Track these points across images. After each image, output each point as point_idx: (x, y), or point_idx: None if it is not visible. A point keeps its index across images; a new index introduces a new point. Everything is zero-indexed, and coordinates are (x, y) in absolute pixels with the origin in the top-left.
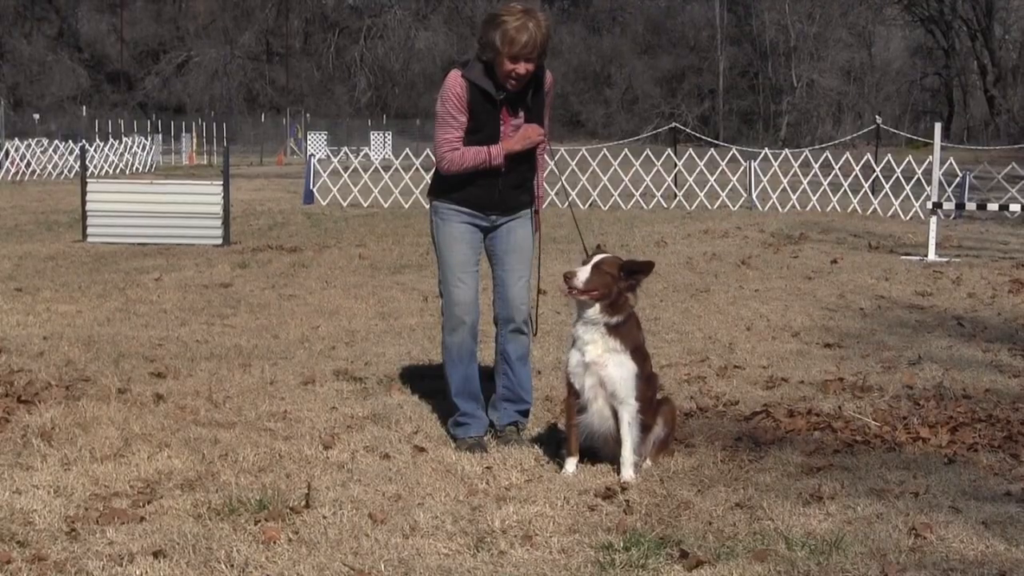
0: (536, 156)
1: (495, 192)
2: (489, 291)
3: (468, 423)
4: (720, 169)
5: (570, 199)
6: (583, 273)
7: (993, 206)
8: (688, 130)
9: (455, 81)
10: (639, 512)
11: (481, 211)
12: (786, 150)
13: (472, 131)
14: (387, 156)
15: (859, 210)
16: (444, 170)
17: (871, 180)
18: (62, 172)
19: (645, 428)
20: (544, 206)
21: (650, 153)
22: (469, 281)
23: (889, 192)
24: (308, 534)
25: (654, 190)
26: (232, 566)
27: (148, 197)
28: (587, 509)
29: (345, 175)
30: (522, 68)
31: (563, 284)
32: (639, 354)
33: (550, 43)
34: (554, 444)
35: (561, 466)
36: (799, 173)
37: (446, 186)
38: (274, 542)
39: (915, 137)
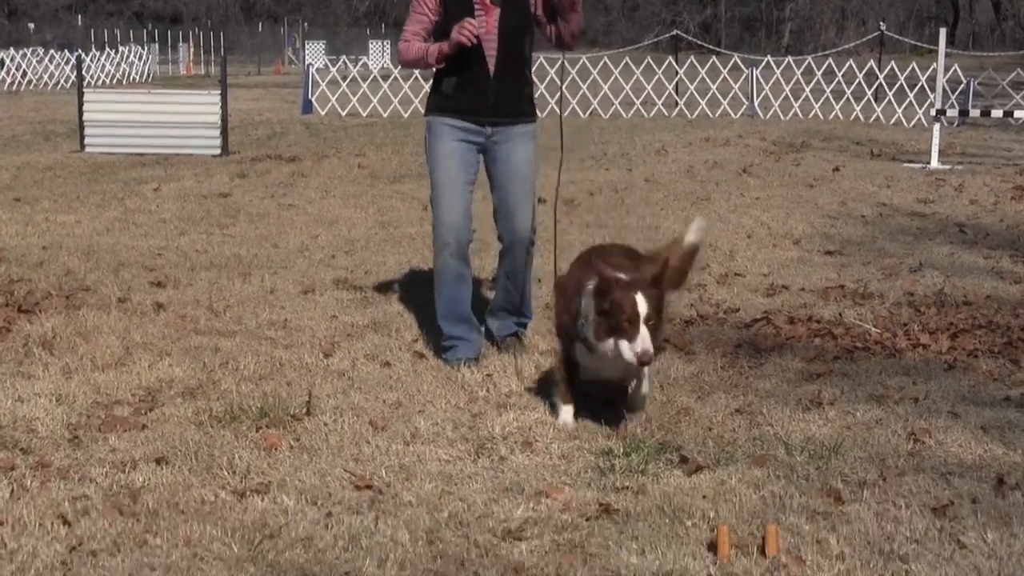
0: (530, 62)
1: (487, 96)
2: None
3: (456, 346)
4: (722, 77)
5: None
6: (647, 340)
7: (997, 113)
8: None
9: None
10: (639, 418)
11: (475, 120)
12: (788, 57)
13: (447, 27)
14: (385, 65)
15: (862, 118)
16: (399, 62)
17: (874, 87)
18: (58, 82)
19: None
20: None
21: (651, 61)
22: (456, 202)
23: (892, 99)
24: (309, 441)
25: (655, 98)
26: (234, 473)
27: (146, 107)
28: (587, 415)
29: (343, 84)
30: None
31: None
32: None
33: None
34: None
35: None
36: (801, 80)
37: (439, 96)
38: (275, 449)
39: (919, 44)
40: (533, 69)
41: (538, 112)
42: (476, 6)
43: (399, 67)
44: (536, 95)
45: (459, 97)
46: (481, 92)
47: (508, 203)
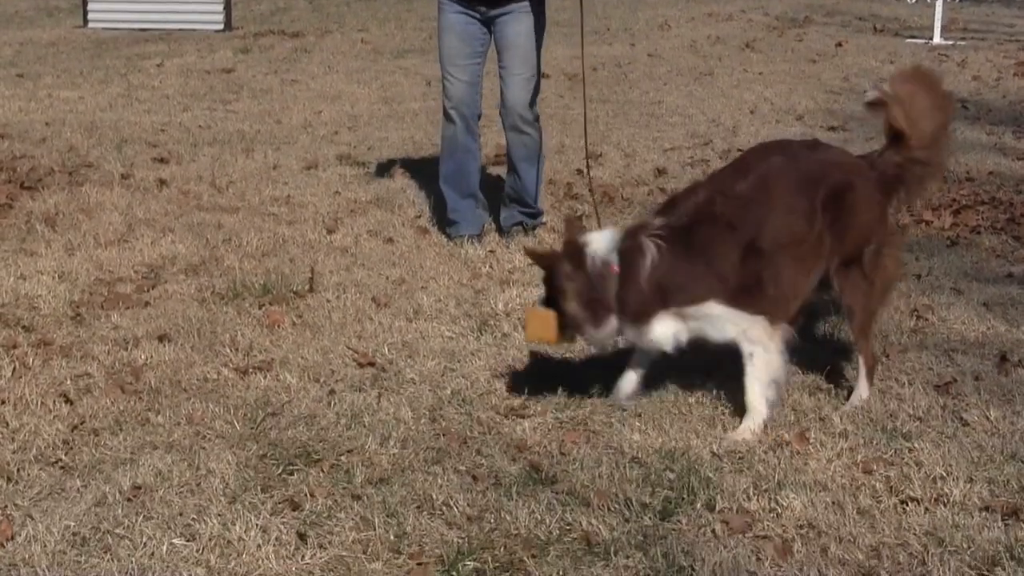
0: None
1: None
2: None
3: (458, 221)
4: None
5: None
6: None
7: None
8: None
9: None
10: None
11: (467, 3)
12: None
13: None
14: None
15: None
16: None
17: None
18: None
19: None
20: None
21: None
22: (460, 75)
23: None
24: (312, 318)
25: None
26: (236, 350)
27: None
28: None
29: None
30: None
31: None
32: None
33: None
34: (557, 228)
35: None
36: None
37: None
38: (278, 326)
39: None
40: None
41: None
42: None
43: None
44: None
45: None
46: None
47: (504, 76)
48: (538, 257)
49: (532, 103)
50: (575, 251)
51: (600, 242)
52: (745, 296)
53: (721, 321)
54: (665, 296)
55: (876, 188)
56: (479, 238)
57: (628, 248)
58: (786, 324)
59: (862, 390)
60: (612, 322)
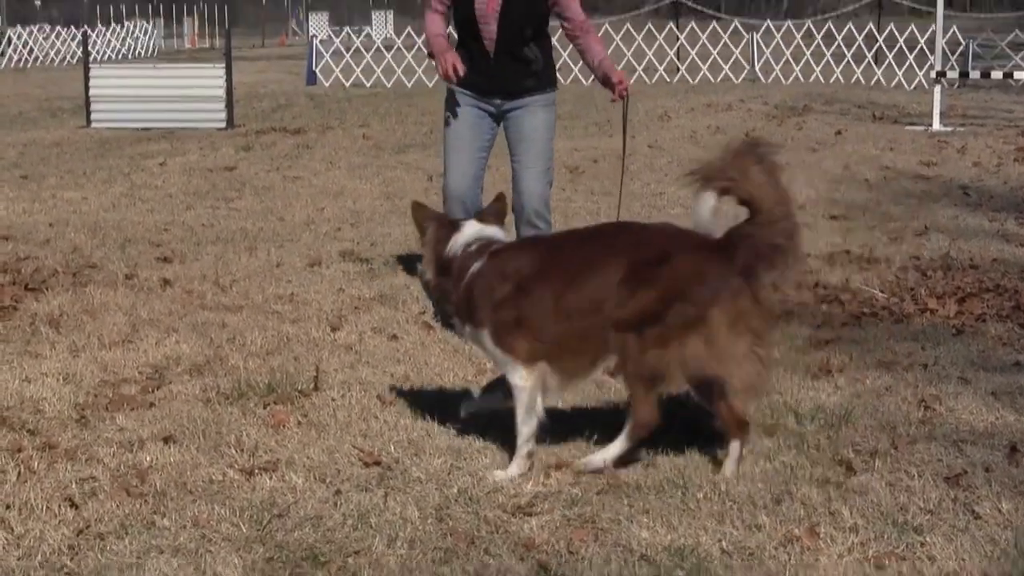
0: (543, 37)
1: (487, 73)
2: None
3: None
4: (723, 42)
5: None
6: None
7: (997, 74)
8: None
9: None
10: None
11: (481, 95)
12: (788, 21)
13: (454, 2)
14: (389, 35)
15: (862, 81)
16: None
17: (874, 50)
18: (64, 58)
19: None
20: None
21: (652, 27)
22: (462, 168)
23: (892, 62)
24: (317, 417)
25: (657, 64)
26: (242, 450)
27: (151, 81)
28: (595, 387)
29: (347, 55)
30: None
31: None
32: None
33: None
34: None
35: None
36: (802, 44)
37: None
38: (283, 425)
39: (918, 6)
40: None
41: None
42: None
43: (402, 37)
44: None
45: (468, 73)
46: (483, 72)
47: (517, 169)
48: (417, 213)
49: (547, 195)
50: (448, 227)
51: (469, 232)
52: (508, 334)
53: (490, 352)
54: (468, 309)
55: (705, 259)
56: None
57: (473, 250)
58: (544, 367)
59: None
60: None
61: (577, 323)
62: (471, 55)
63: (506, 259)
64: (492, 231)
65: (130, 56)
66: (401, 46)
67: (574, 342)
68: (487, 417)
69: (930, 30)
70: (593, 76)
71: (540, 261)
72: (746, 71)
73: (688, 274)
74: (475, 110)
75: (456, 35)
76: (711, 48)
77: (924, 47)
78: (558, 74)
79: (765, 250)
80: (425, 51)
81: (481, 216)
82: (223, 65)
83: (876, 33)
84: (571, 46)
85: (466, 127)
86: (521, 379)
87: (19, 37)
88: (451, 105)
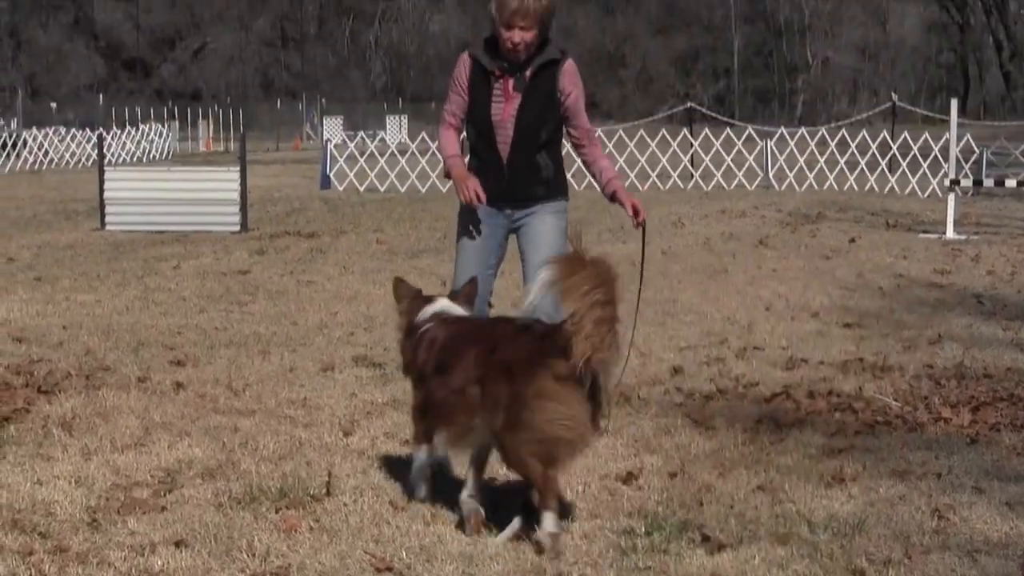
0: (555, 146)
1: (501, 182)
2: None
3: None
4: (736, 149)
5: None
6: None
7: (1011, 182)
8: (703, 110)
9: (460, 59)
10: (660, 496)
11: (493, 203)
12: (802, 128)
13: (469, 110)
14: (403, 140)
15: (876, 188)
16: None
17: (888, 158)
18: (80, 160)
19: None
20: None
21: (666, 133)
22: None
23: (906, 170)
24: (329, 522)
25: (670, 171)
26: (254, 555)
27: (166, 184)
28: (608, 494)
29: (362, 160)
30: (516, 36)
31: None
32: None
33: (553, 15)
34: None
35: None
36: (815, 152)
37: None
38: (295, 530)
39: (931, 114)
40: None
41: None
42: (496, 92)
43: (416, 142)
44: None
45: (480, 181)
46: (495, 178)
47: (527, 269)
48: (397, 287)
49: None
50: (421, 300)
51: (436, 306)
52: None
53: None
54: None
55: (530, 355)
56: None
57: (431, 320)
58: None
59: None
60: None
61: (449, 407)
62: (483, 162)
63: (435, 329)
64: (454, 308)
65: (145, 159)
66: (415, 151)
67: (439, 421)
68: (500, 523)
69: (944, 138)
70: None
71: (450, 338)
72: (760, 178)
73: (507, 362)
74: (487, 227)
75: (469, 142)
76: (725, 155)
77: (938, 155)
78: (571, 179)
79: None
80: (443, 170)
81: (452, 295)
82: (237, 169)
83: (890, 141)
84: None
85: (478, 243)
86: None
87: (34, 139)
88: (464, 220)
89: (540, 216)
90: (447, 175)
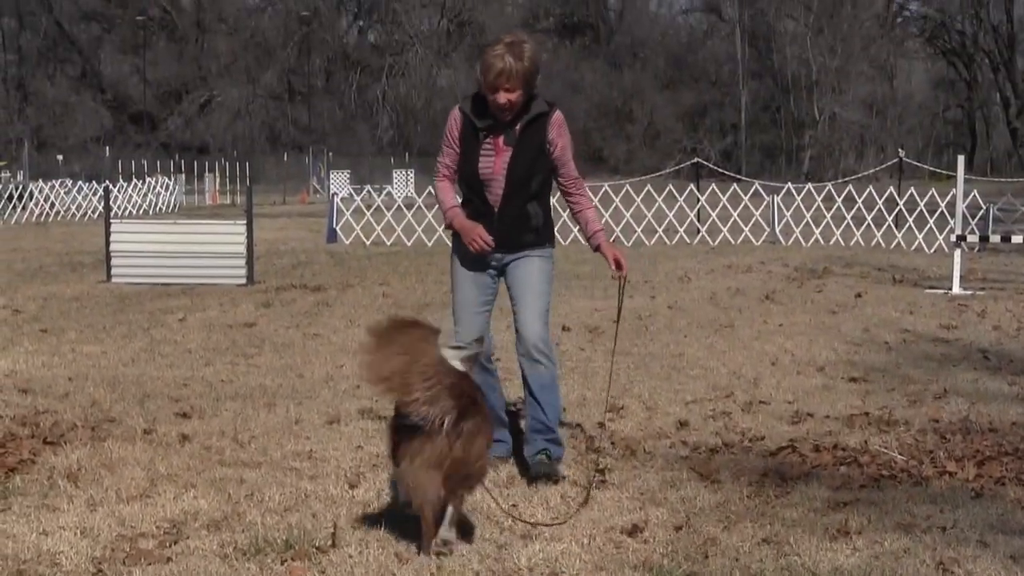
0: (545, 196)
1: (491, 230)
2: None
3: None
4: (743, 204)
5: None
6: None
7: (1018, 238)
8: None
9: (451, 113)
10: (665, 549)
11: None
12: (809, 184)
13: (460, 162)
14: (410, 194)
15: (883, 243)
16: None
17: (894, 213)
18: (86, 213)
19: None
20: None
21: (673, 188)
22: (471, 320)
23: (913, 225)
24: (335, 574)
25: (677, 225)
26: None
27: (172, 237)
28: (613, 547)
29: (368, 213)
30: (502, 97)
31: None
32: None
33: (537, 74)
34: (580, 481)
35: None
36: (822, 207)
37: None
38: None
39: (938, 170)
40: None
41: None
42: (487, 146)
43: (423, 196)
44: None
45: None
46: (487, 226)
47: (519, 313)
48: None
49: (546, 334)
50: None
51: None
52: None
53: None
54: None
55: None
56: (507, 459)
57: None
58: None
59: None
60: None
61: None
62: (475, 211)
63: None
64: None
65: (151, 212)
66: (422, 205)
67: None
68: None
69: (950, 194)
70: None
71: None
72: (766, 233)
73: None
74: (478, 266)
75: (461, 192)
76: (731, 210)
77: (944, 211)
78: (578, 235)
79: None
80: (445, 222)
81: (457, 347)
82: (244, 222)
83: (897, 196)
84: (605, 214)
85: (469, 283)
86: None
87: (41, 191)
88: (455, 261)
89: (528, 260)
90: (449, 226)
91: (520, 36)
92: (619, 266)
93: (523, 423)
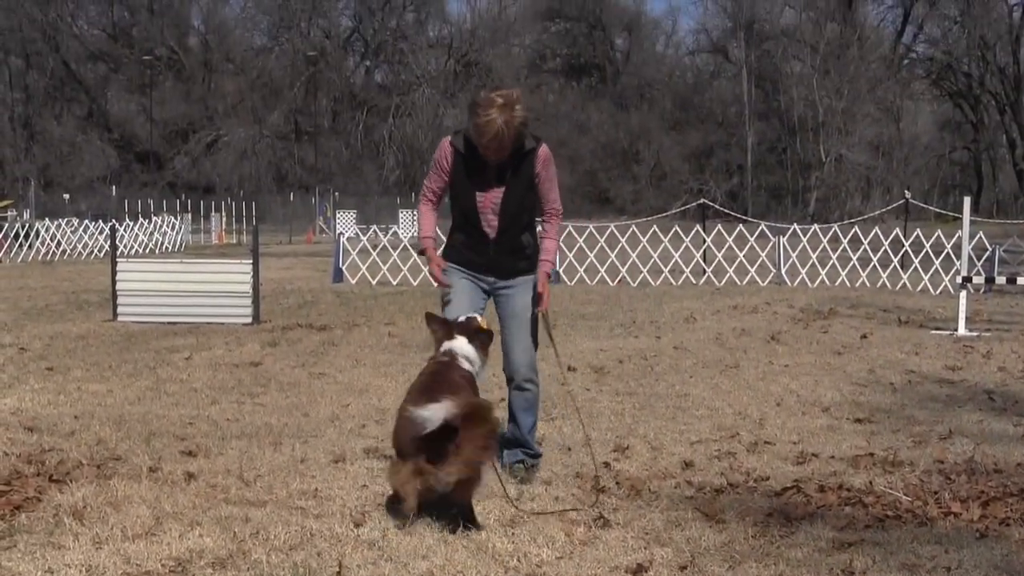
0: (533, 224)
1: (486, 257)
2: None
3: None
4: (749, 245)
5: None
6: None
7: (1023, 280)
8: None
9: (442, 144)
10: None
11: (477, 273)
12: (815, 225)
13: (453, 194)
14: (415, 234)
15: (888, 285)
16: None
17: (900, 255)
18: (92, 252)
19: None
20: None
21: (679, 229)
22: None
23: (918, 267)
24: None
25: (683, 266)
26: None
27: (178, 276)
28: None
29: (374, 253)
30: (492, 157)
31: None
32: None
33: (527, 126)
34: (585, 521)
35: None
36: (828, 248)
37: (450, 247)
38: None
39: (944, 211)
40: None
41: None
42: (478, 180)
43: None
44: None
45: (464, 252)
46: (482, 255)
47: (508, 341)
48: (430, 319)
49: (534, 361)
50: (448, 332)
51: (452, 344)
52: None
53: None
54: None
55: None
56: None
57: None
58: None
59: None
60: None
61: None
62: (470, 238)
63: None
64: (462, 349)
65: (157, 251)
66: None
67: None
68: None
69: (956, 235)
70: (600, 274)
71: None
72: (772, 274)
73: None
74: (470, 284)
75: (455, 220)
76: (737, 251)
77: (950, 252)
78: (584, 275)
79: None
80: (418, 248)
81: (470, 336)
82: (250, 261)
83: (903, 238)
84: (611, 254)
85: (462, 292)
86: None
87: (47, 230)
88: (448, 276)
89: (520, 290)
90: (421, 252)
91: (511, 95)
92: (540, 301)
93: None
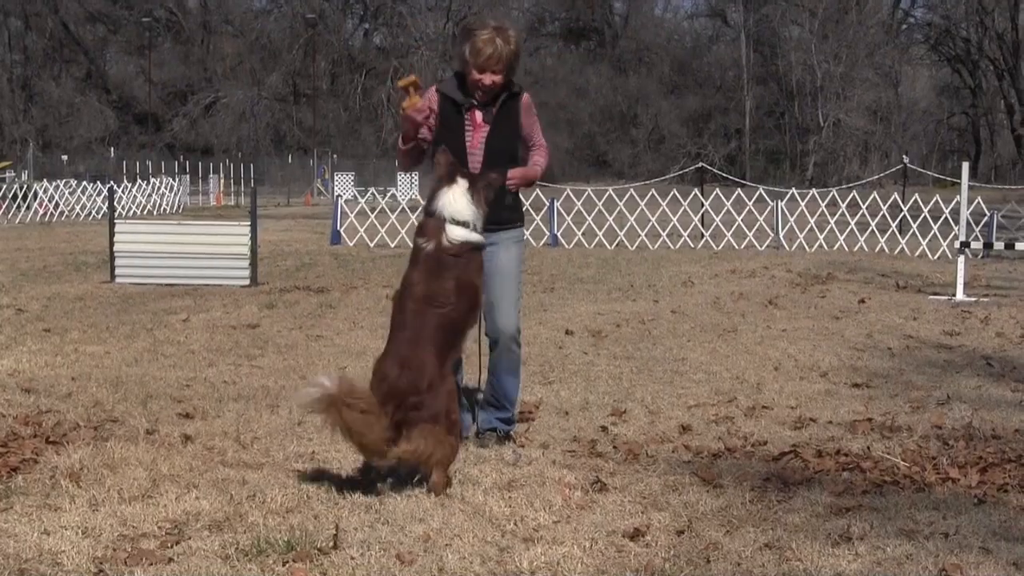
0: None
1: None
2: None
3: None
4: (747, 209)
5: None
6: None
7: (1021, 245)
8: (715, 170)
9: (427, 92)
10: (667, 553)
11: None
12: (813, 190)
13: (440, 137)
14: (414, 196)
15: (886, 250)
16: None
17: (898, 220)
18: (90, 213)
19: None
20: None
21: (677, 193)
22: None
23: (916, 232)
24: (336, 575)
25: (681, 230)
26: None
27: (176, 238)
28: (615, 550)
29: (372, 215)
30: (488, 79)
31: None
32: None
33: (520, 59)
34: (583, 486)
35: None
36: (826, 213)
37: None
38: None
39: (942, 176)
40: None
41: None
42: (467, 123)
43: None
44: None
45: None
46: None
47: (491, 299)
48: (440, 155)
49: (519, 321)
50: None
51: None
52: None
53: None
54: None
55: None
56: (465, 439)
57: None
58: None
59: None
60: None
61: None
62: None
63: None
64: (452, 206)
65: (155, 212)
66: None
67: None
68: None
69: (955, 201)
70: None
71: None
72: (770, 238)
73: None
74: None
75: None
76: (735, 215)
77: (948, 217)
78: (583, 239)
79: None
80: (400, 146)
81: (472, 183)
82: (248, 223)
83: (901, 203)
84: (609, 217)
85: None
86: None
87: (45, 191)
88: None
89: (505, 246)
90: (402, 139)
91: (503, 22)
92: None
93: (479, 396)
